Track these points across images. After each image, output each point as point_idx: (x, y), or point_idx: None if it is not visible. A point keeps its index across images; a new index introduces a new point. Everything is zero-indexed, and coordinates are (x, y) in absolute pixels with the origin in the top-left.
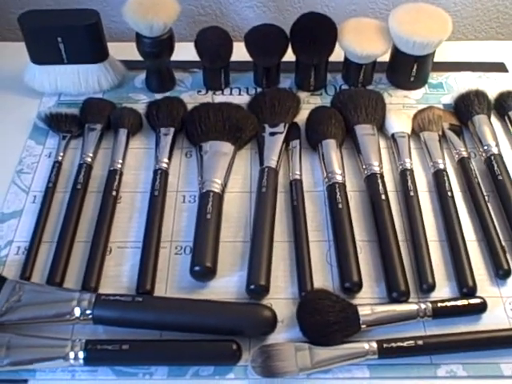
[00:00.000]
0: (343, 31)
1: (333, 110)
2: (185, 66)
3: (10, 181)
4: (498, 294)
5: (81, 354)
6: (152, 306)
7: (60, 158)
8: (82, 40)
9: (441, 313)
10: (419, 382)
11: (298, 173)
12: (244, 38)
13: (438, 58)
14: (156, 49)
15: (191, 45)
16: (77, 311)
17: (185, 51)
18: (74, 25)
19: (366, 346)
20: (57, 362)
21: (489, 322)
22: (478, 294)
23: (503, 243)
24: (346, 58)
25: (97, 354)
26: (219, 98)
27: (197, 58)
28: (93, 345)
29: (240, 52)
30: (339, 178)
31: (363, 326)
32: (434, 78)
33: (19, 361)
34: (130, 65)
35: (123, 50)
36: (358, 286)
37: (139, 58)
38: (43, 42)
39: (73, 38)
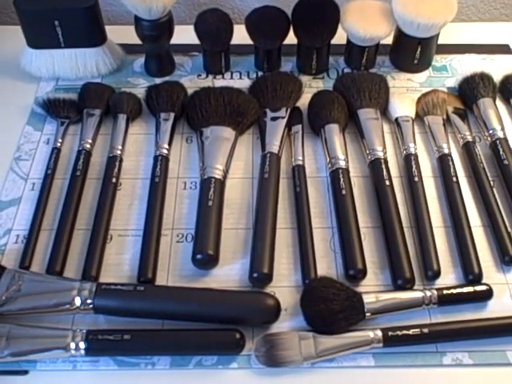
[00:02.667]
0: (346, 13)
1: (335, 94)
2: (185, 49)
3: (8, 168)
4: (503, 281)
5: (82, 345)
6: (154, 295)
7: (59, 145)
8: (79, 23)
9: (446, 300)
10: (425, 370)
11: (300, 158)
12: (245, 20)
13: (442, 40)
14: (155, 32)
15: (191, 28)
16: (77, 301)
17: (184, 34)
18: (71, 7)
19: (370, 334)
20: (58, 353)
21: (495, 309)
22: (483, 280)
23: (509, 229)
24: (348, 41)
25: (98, 345)
26: (220, 81)
27: (197, 42)
28: (94, 335)
29: (240, 35)
30: (342, 164)
31: (368, 314)
32: (438, 60)
33: (19, 351)
34: (128, 48)
35: (122, 34)
36: (363, 273)
37: (138, 41)
38: (40, 26)
39: (70, 21)
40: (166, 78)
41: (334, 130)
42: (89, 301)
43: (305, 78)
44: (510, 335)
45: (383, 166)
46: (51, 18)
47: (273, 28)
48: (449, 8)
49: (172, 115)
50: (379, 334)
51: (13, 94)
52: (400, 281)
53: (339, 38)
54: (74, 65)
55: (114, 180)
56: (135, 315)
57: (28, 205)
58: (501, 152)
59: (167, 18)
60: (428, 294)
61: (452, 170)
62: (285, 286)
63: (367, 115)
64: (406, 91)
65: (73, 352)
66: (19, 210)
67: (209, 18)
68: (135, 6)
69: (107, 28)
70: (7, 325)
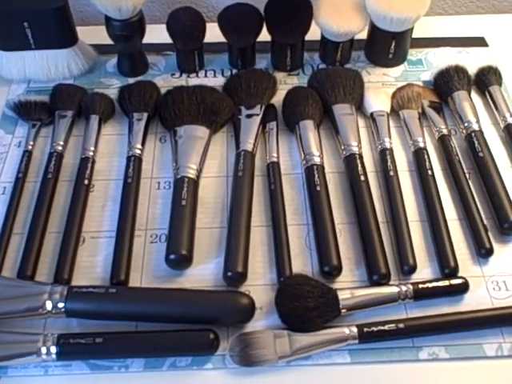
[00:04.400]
0: (319, 8)
1: (310, 90)
2: (158, 48)
3: None
4: (480, 274)
5: (53, 349)
6: (126, 297)
7: (30, 147)
8: (49, 24)
9: (422, 294)
10: (401, 365)
11: (275, 155)
12: (217, 17)
13: (418, 33)
14: (126, 32)
15: (164, 27)
16: (48, 305)
17: (158, 34)
18: (41, 8)
19: (346, 330)
20: (29, 358)
21: (471, 302)
22: (459, 274)
23: (485, 221)
24: (322, 37)
25: (70, 348)
26: (194, 80)
27: (170, 41)
28: (65, 339)
29: (214, 33)
30: (317, 160)
31: (343, 311)
32: (414, 54)
33: None
34: (101, 49)
35: (94, 34)
36: (338, 269)
37: (111, 41)
38: (9, 27)
39: (40, 22)
40: (140, 78)
41: (308, 126)
42: (60, 304)
43: (280, 75)
44: (486, 328)
45: (358, 162)
46: (20, 19)
47: (246, 25)
48: (422, 2)
49: (145, 115)
50: (354, 330)
51: None
52: (375, 276)
53: (313, 33)
54: (46, 66)
55: (86, 182)
56: (108, 318)
57: None
58: (476, 144)
59: (138, 18)
60: (403, 288)
61: (427, 163)
62: (260, 284)
63: (342, 111)
64: (381, 86)
65: (44, 357)
66: None
67: (181, 16)
68: (105, 6)
69: (81, 29)
70: None
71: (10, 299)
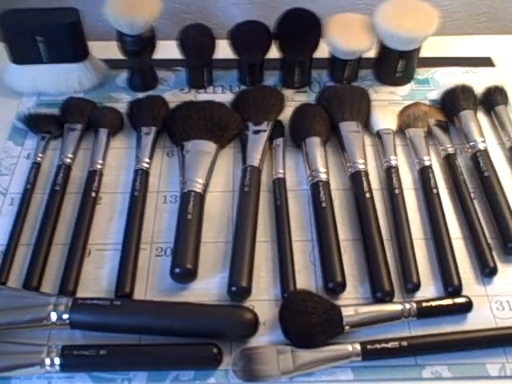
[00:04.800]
0: (328, 27)
1: (317, 107)
2: (168, 64)
3: None
4: (483, 293)
5: (57, 360)
6: (130, 310)
7: (39, 159)
8: (62, 39)
9: (426, 313)
10: (404, 383)
11: (281, 171)
12: (228, 34)
13: (425, 53)
14: (137, 47)
15: (175, 43)
16: (53, 316)
17: (169, 50)
18: (54, 23)
19: (349, 347)
20: (32, 369)
21: (475, 321)
22: (463, 292)
23: (489, 241)
24: (331, 55)
25: (73, 360)
26: (202, 96)
27: (180, 57)
28: (69, 350)
29: (224, 50)
30: (323, 177)
31: (347, 327)
32: (421, 73)
33: None
34: (111, 64)
35: (105, 49)
36: (342, 286)
37: (121, 56)
38: (23, 42)
39: (53, 37)
40: (149, 93)
41: (315, 143)
42: (65, 316)
43: (288, 92)
44: (489, 348)
45: (364, 179)
46: (34, 33)
47: (255, 42)
48: (430, 21)
49: (153, 129)
50: (358, 347)
51: None
52: (379, 293)
53: (322, 51)
54: (57, 80)
55: (93, 194)
56: (112, 330)
57: (6, 220)
58: (481, 164)
59: (150, 33)
60: (407, 306)
61: (433, 181)
62: (264, 299)
63: (349, 128)
64: (388, 104)
65: (48, 368)
66: None
67: (191, 32)
68: (118, 21)
69: (92, 44)
70: None
71: (15, 309)
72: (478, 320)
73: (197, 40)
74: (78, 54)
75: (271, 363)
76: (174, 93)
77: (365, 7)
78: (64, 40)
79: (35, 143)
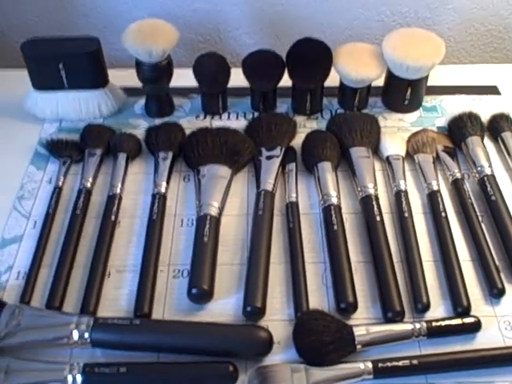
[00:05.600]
0: (338, 56)
1: (328, 133)
2: (184, 91)
3: (11, 206)
4: (492, 313)
5: (79, 377)
6: (149, 329)
7: (60, 184)
8: (83, 67)
9: (435, 332)
10: None
11: (294, 195)
12: (241, 63)
13: (433, 81)
14: (155, 74)
15: (190, 71)
16: (75, 335)
17: (184, 78)
18: (76, 52)
19: (361, 365)
20: None
21: (483, 340)
22: (472, 313)
23: (497, 262)
24: (341, 83)
25: (94, 378)
26: (217, 122)
27: (195, 84)
28: (90, 368)
29: (238, 78)
30: (334, 200)
31: (359, 346)
32: (429, 101)
33: None
34: (130, 91)
35: (124, 77)
36: (354, 306)
37: (139, 84)
38: (45, 69)
39: (74, 65)
40: (166, 119)
41: (326, 168)
42: (86, 335)
43: (299, 119)
44: (499, 366)
45: (374, 203)
46: (56, 61)
47: (268, 70)
48: (437, 51)
49: (170, 154)
50: (370, 365)
51: (18, 135)
52: (390, 313)
53: (332, 80)
54: (77, 107)
55: (113, 218)
56: (131, 348)
57: (29, 242)
58: (488, 188)
59: (167, 62)
60: (417, 326)
61: (441, 205)
62: (278, 319)
63: (359, 153)
64: (397, 131)
65: None
66: (21, 248)
67: (206, 61)
68: (136, 50)
69: (109, 71)
70: (6, 358)
71: (39, 328)
72: (486, 339)
73: (212, 69)
74: (98, 81)
75: (285, 381)
76: (189, 119)
77: (373, 37)
78: (85, 68)
79: (57, 168)
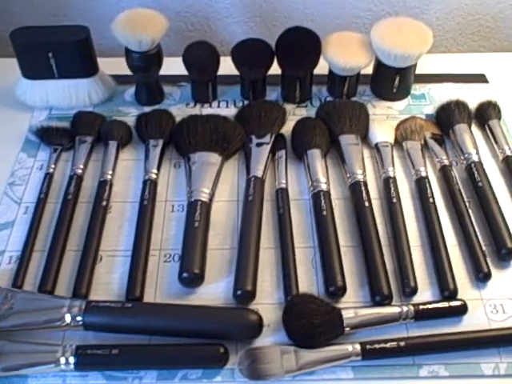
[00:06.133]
0: (327, 44)
1: (317, 120)
2: (173, 80)
3: (2, 193)
4: (478, 297)
5: (71, 359)
6: (141, 312)
7: (51, 170)
8: (72, 55)
9: (423, 315)
10: (402, 382)
11: (283, 181)
12: (231, 51)
13: (422, 70)
14: (145, 63)
15: (180, 60)
16: (67, 317)
17: (174, 66)
18: (65, 40)
19: (349, 347)
20: (48, 367)
21: (470, 323)
22: (459, 296)
23: (483, 247)
24: (330, 71)
25: (87, 359)
26: (207, 110)
27: (185, 73)
28: (83, 350)
29: (227, 66)
30: (324, 187)
31: (347, 329)
32: (417, 89)
33: (11, 366)
34: (119, 79)
35: (113, 65)
36: (342, 290)
37: (129, 72)
38: (35, 58)
39: (64, 53)
40: (156, 107)
41: (315, 155)
42: (78, 318)
43: (289, 107)
44: (484, 348)
45: (363, 189)
46: (46, 50)
47: (257, 59)
48: (424, 40)
49: (161, 142)
50: (358, 347)
51: (8, 122)
52: (378, 297)
53: (321, 68)
54: (67, 95)
55: (104, 203)
56: (123, 331)
57: (21, 227)
58: (476, 175)
59: (156, 50)
60: (405, 309)
61: (429, 191)
62: (268, 303)
63: (348, 141)
64: (386, 118)
65: (63, 366)
66: (12, 233)
67: (196, 49)
68: (126, 39)
69: (99, 60)
70: (0, 341)
71: (32, 312)
72: (472, 322)
73: (201, 57)
74: (88, 69)
75: (275, 362)
76: (179, 107)
77: (362, 26)
78: (74, 56)
79: (47, 155)
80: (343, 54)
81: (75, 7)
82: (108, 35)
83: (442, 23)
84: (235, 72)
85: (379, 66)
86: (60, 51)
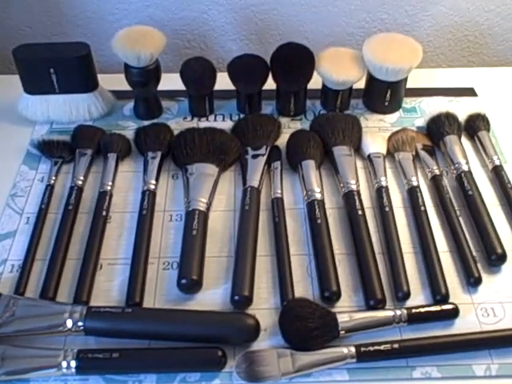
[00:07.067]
0: (320, 60)
1: (311, 132)
2: (171, 95)
3: (4, 204)
4: (469, 301)
5: (73, 363)
6: (141, 317)
7: (52, 182)
8: (73, 71)
9: (415, 318)
10: (396, 383)
11: (279, 191)
12: (227, 67)
13: (413, 84)
14: (143, 78)
15: (177, 76)
16: (69, 323)
17: (171, 82)
18: (66, 56)
19: (344, 350)
20: (50, 372)
21: (461, 327)
22: (450, 301)
23: (474, 253)
24: (323, 85)
25: (88, 363)
26: (204, 124)
27: (182, 88)
28: (84, 354)
29: (223, 82)
30: (318, 196)
31: (342, 332)
32: (408, 102)
33: (14, 371)
34: (118, 94)
35: (112, 81)
36: (337, 295)
37: (127, 88)
38: (36, 73)
39: (65, 69)
40: (154, 121)
41: (310, 166)
42: (80, 323)
43: (284, 120)
44: (476, 350)
45: (356, 198)
46: (47, 66)
47: (253, 74)
48: (415, 54)
49: (159, 154)
50: (352, 349)
51: (10, 137)
52: (372, 301)
53: (315, 82)
54: (68, 109)
55: (104, 213)
56: (123, 336)
57: (23, 237)
58: (465, 184)
59: (155, 66)
60: (398, 312)
61: (420, 200)
62: (264, 308)
63: (341, 152)
64: (378, 131)
65: (64, 371)
66: (14, 242)
67: (193, 65)
68: (126, 55)
69: (99, 76)
70: (2, 346)
71: (33, 317)
72: (464, 325)
73: (198, 72)
74: (88, 85)
75: (272, 365)
76: (177, 121)
77: (354, 42)
78: (75, 72)
79: (48, 167)
80: (336, 68)
81: (76, 27)
82: (107, 53)
83: (433, 39)
84: (231, 87)
85: (371, 80)
86: (61, 67)
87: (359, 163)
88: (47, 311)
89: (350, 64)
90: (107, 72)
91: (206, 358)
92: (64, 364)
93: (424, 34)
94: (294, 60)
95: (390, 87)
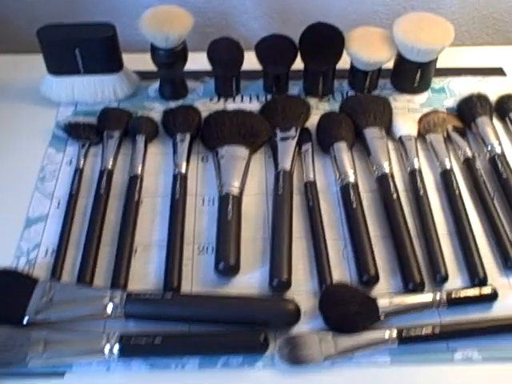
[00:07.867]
0: (350, 40)
1: (342, 114)
2: (196, 75)
3: (33, 187)
4: (507, 285)
5: (116, 348)
6: (182, 303)
7: (81, 165)
8: (98, 52)
9: (455, 302)
10: (437, 366)
11: (311, 175)
12: (255, 47)
13: (440, 63)
14: (170, 59)
15: (199, 55)
16: (109, 308)
17: (193, 61)
18: (92, 37)
19: (386, 333)
20: (93, 356)
21: (499, 310)
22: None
23: (510, 237)
24: (352, 65)
25: (131, 348)
26: (231, 105)
27: (204, 67)
28: (127, 339)
29: (249, 61)
30: (352, 179)
31: (382, 316)
32: (437, 82)
33: (57, 355)
34: (143, 75)
35: (136, 61)
36: (375, 278)
37: (152, 68)
38: (61, 54)
39: (90, 50)
40: (180, 102)
41: (342, 148)
42: (120, 308)
43: (311, 101)
44: None
45: (390, 181)
46: (72, 46)
47: (282, 55)
48: (446, 34)
49: (188, 136)
50: (394, 334)
51: (34, 118)
52: (411, 284)
53: (342, 62)
54: (93, 90)
55: (136, 197)
56: (163, 320)
57: (55, 221)
58: (499, 167)
59: (182, 47)
60: (437, 296)
61: (455, 184)
62: (302, 290)
63: (373, 134)
64: (407, 112)
65: (107, 355)
66: (47, 226)
67: (221, 46)
68: (153, 36)
69: (124, 56)
70: (44, 330)
71: (73, 303)
72: (502, 308)
73: (226, 53)
74: (114, 66)
75: (314, 348)
76: (203, 102)
77: (378, 21)
78: (100, 53)
79: (75, 150)
80: (366, 49)
81: (96, 5)
82: (134, 31)
83: (458, 17)
84: (256, 67)
85: (401, 60)
86: (87, 48)
87: (390, 145)
88: (87, 296)
89: (380, 44)
90: (132, 50)
91: (248, 341)
92: (107, 348)
93: (449, 11)
94: (324, 40)
95: (420, 68)
